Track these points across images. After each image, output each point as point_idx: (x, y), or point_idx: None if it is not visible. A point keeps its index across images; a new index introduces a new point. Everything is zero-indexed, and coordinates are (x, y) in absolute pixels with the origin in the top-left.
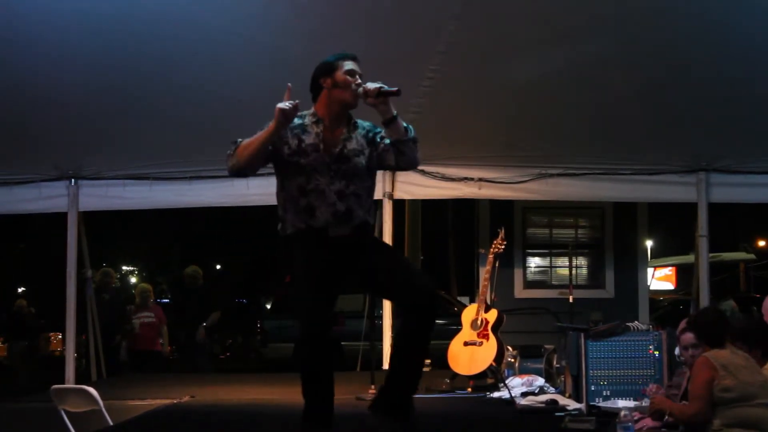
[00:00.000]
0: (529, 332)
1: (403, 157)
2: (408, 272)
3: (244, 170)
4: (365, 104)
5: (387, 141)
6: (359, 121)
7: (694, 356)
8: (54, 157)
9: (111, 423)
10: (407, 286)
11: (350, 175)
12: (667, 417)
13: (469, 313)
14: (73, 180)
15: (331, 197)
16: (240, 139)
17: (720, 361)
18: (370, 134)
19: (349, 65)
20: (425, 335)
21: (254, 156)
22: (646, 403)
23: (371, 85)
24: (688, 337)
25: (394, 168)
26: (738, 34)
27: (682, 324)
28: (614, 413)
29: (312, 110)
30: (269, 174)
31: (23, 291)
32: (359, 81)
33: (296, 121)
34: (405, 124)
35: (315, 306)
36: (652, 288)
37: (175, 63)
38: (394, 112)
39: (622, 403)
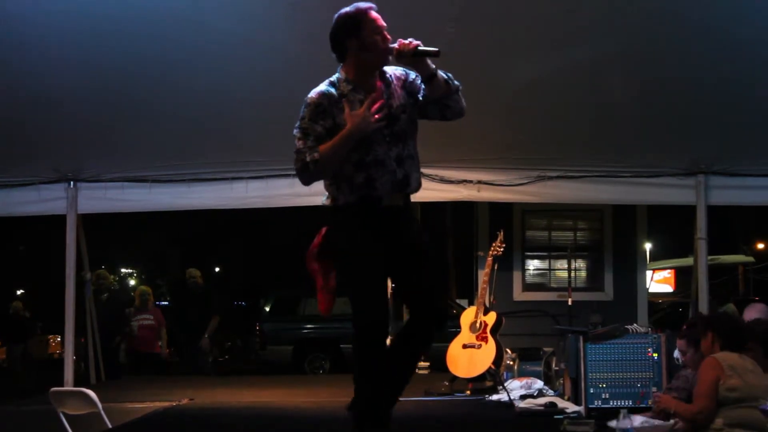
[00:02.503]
0: (528, 335)
1: (449, 110)
2: (434, 286)
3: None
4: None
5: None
6: (389, 71)
7: (693, 359)
8: (53, 160)
9: (110, 425)
10: (427, 302)
11: (403, 136)
12: (672, 417)
13: (468, 316)
14: (72, 182)
15: (391, 165)
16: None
17: (728, 362)
18: (407, 83)
19: (376, 22)
20: (423, 348)
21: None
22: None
23: (406, 44)
24: (680, 343)
25: (440, 120)
26: (737, 37)
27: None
28: (613, 414)
29: (341, 74)
30: (268, 176)
31: (21, 293)
32: (389, 38)
33: (327, 90)
34: (445, 75)
35: (374, 290)
36: (651, 290)
37: (174, 65)
38: (433, 67)
39: (638, 420)
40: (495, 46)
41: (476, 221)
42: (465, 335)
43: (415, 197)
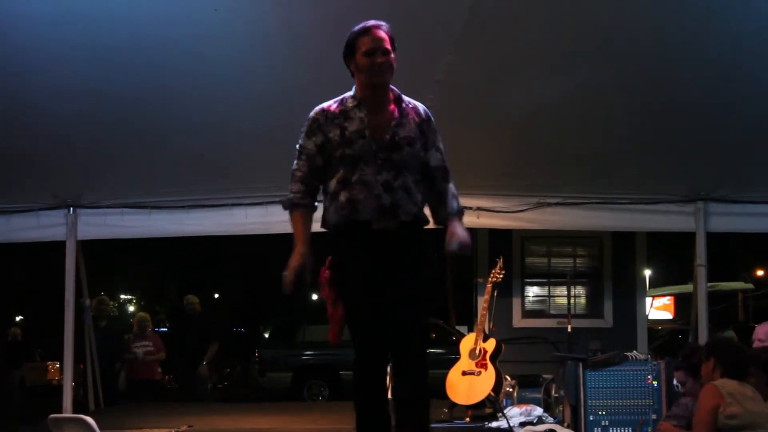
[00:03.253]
0: (527, 362)
1: (437, 216)
2: (413, 325)
3: None
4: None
5: (434, 159)
6: (412, 102)
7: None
8: (52, 186)
9: None
10: (403, 338)
11: (400, 166)
12: None
13: (467, 343)
14: (71, 208)
15: (377, 188)
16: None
17: (727, 389)
18: (423, 123)
19: (367, 44)
20: (408, 387)
21: None
22: None
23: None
24: (678, 375)
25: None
26: (736, 66)
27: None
28: None
29: (353, 91)
30: (267, 203)
31: (20, 320)
32: (380, 60)
33: (328, 105)
34: (456, 207)
35: (370, 316)
36: (650, 317)
37: (174, 94)
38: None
39: None
40: (494, 73)
41: (475, 248)
42: (464, 362)
43: None
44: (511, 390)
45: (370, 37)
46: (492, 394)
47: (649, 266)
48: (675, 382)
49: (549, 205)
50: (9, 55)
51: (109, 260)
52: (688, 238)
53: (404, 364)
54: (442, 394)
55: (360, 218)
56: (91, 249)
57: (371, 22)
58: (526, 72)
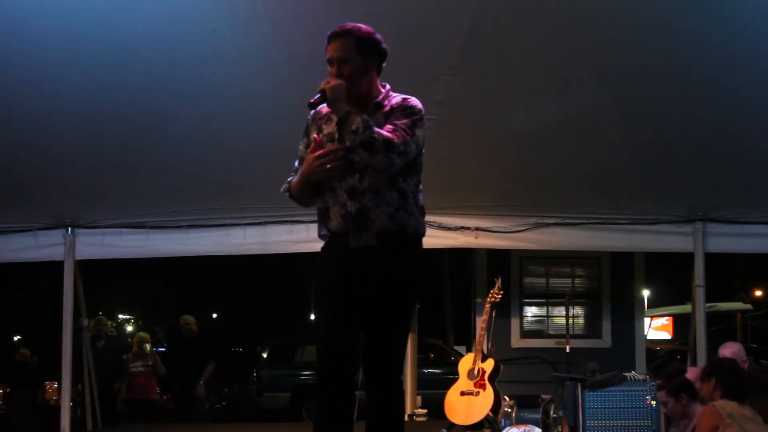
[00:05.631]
0: (526, 382)
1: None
2: (386, 358)
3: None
4: None
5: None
6: (397, 98)
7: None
8: (50, 206)
9: None
10: (376, 373)
11: (364, 167)
12: None
13: (465, 363)
14: (69, 228)
15: (342, 196)
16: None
17: (726, 410)
18: (391, 113)
19: (327, 53)
20: (384, 421)
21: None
22: None
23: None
24: (660, 394)
25: None
26: (734, 88)
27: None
28: None
29: None
30: (266, 223)
31: (20, 339)
32: (330, 71)
33: (319, 107)
34: (360, 124)
35: (333, 343)
36: (649, 338)
37: (173, 114)
38: (343, 111)
39: None
40: (493, 94)
41: (474, 268)
42: (463, 382)
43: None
44: (509, 410)
45: (328, 47)
46: (490, 414)
47: (647, 286)
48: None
49: (547, 225)
50: (6, 75)
51: (107, 280)
52: (687, 258)
53: (380, 397)
54: (440, 415)
55: (333, 228)
56: (88, 269)
57: (335, 29)
58: (524, 93)
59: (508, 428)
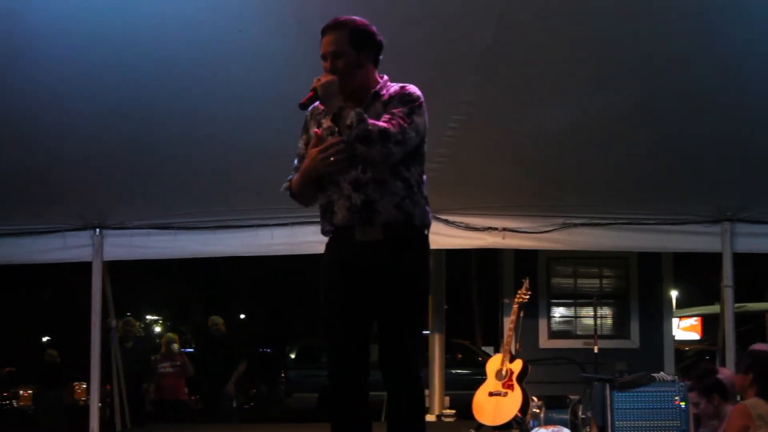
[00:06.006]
0: (554, 383)
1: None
2: (400, 351)
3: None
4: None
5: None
6: (395, 87)
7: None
8: (78, 207)
9: None
10: (391, 367)
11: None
12: None
13: (493, 364)
14: (97, 229)
15: (346, 188)
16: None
17: (757, 410)
18: (390, 101)
19: (321, 48)
20: (403, 417)
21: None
22: None
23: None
24: (692, 395)
25: None
26: (763, 87)
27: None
28: None
29: None
30: (293, 224)
31: (48, 340)
32: (325, 65)
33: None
34: (354, 119)
35: (340, 341)
36: (677, 338)
37: (200, 115)
38: (337, 107)
39: None
40: (519, 95)
41: (501, 268)
42: (491, 383)
43: (442, 244)
44: (537, 411)
45: (321, 41)
46: (519, 415)
47: (675, 287)
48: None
49: (575, 225)
50: (33, 78)
51: (134, 281)
52: (715, 258)
53: (397, 396)
54: (468, 415)
55: (338, 222)
56: (116, 269)
57: (328, 22)
58: (551, 93)
59: (536, 429)
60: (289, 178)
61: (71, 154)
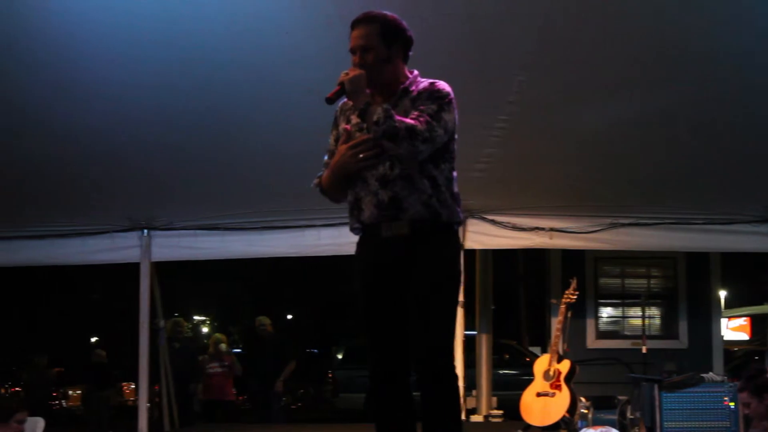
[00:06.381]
0: (602, 383)
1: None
2: (427, 345)
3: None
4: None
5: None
6: (425, 83)
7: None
8: (127, 208)
9: None
10: (421, 361)
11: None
12: None
13: (541, 364)
14: (145, 230)
15: (373, 185)
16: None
17: None
18: (418, 96)
19: (350, 42)
20: (431, 412)
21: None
22: None
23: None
24: (742, 396)
25: None
26: None
27: None
28: None
29: None
30: (339, 224)
31: (96, 341)
32: (354, 60)
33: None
34: (381, 115)
35: (379, 339)
36: (726, 338)
37: (246, 117)
38: (363, 102)
39: None
40: (565, 94)
41: (549, 268)
42: (539, 383)
43: (489, 244)
44: (585, 411)
45: (351, 35)
46: (567, 415)
47: (724, 286)
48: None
49: (622, 225)
50: (81, 79)
51: (182, 281)
52: (764, 258)
53: (427, 394)
54: (516, 416)
55: (365, 219)
56: (164, 270)
57: (358, 15)
58: (598, 92)
59: (584, 429)
60: (318, 174)
61: (119, 156)
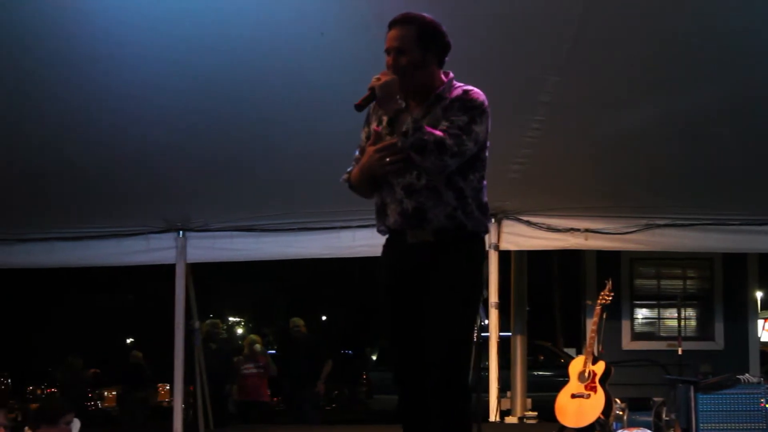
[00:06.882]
0: (637, 384)
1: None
2: (436, 357)
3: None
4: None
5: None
6: (460, 90)
7: None
8: (162, 210)
9: None
10: (431, 373)
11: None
12: None
13: (576, 365)
14: (180, 232)
15: (399, 193)
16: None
17: None
18: (451, 106)
19: (386, 42)
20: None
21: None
22: None
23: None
24: None
25: None
26: None
27: None
28: None
29: None
30: (374, 225)
31: (132, 342)
32: (388, 60)
33: None
34: (411, 126)
35: (400, 343)
36: (762, 340)
37: (279, 120)
38: (392, 110)
39: None
40: (600, 95)
41: (584, 269)
42: (573, 385)
43: (524, 245)
44: (621, 413)
45: (387, 35)
46: (602, 417)
47: (760, 288)
48: None
49: (658, 226)
50: (118, 84)
51: (217, 282)
52: None
53: (434, 405)
54: (551, 417)
55: (390, 225)
56: (199, 271)
57: (396, 16)
58: (632, 93)
59: (619, 431)
60: (348, 169)
61: (155, 158)
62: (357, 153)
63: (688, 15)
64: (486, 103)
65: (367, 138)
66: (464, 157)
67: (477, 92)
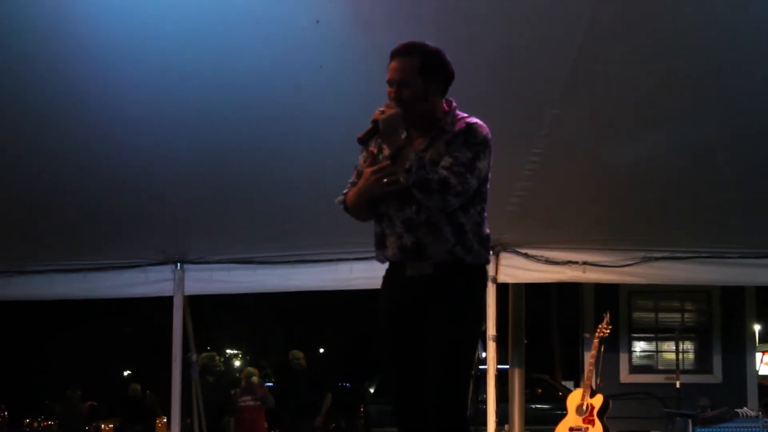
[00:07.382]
0: (635, 418)
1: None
2: (436, 398)
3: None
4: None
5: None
6: (464, 122)
7: None
8: (160, 242)
9: None
10: (431, 416)
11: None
12: None
13: (574, 398)
14: (178, 264)
15: (399, 227)
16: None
17: None
18: (454, 139)
19: (387, 73)
20: None
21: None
22: None
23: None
24: None
25: None
26: None
27: None
28: None
29: None
30: (372, 258)
31: (129, 374)
32: (389, 91)
33: None
34: (414, 163)
35: (399, 376)
36: (761, 373)
37: (277, 151)
38: (395, 146)
39: None
40: (599, 128)
41: (582, 302)
42: (571, 418)
43: (522, 278)
44: None
45: (389, 65)
46: None
47: (758, 320)
48: None
49: (656, 259)
50: (112, 117)
51: (214, 315)
52: None
53: None
54: None
55: (389, 257)
56: (196, 303)
57: (398, 46)
58: (632, 126)
59: None
60: (344, 191)
61: (152, 190)
62: (354, 175)
63: (688, 50)
64: (489, 136)
65: (364, 161)
66: (468, 195)
67: (481, 126)
